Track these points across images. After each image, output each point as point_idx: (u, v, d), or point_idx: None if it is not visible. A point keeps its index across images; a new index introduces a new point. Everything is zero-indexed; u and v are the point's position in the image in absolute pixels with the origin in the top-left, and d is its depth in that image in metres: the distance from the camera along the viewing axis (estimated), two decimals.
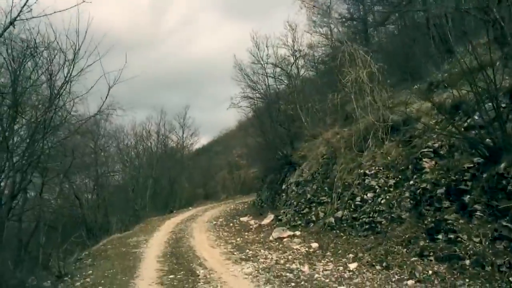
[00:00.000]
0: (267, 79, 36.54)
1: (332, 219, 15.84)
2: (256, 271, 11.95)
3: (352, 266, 11.24)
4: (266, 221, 23.21)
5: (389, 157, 14.06)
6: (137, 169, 38.58)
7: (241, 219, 26.90)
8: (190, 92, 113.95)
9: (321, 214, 17.30)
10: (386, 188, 13.37)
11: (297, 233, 17.37)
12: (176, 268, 13.13)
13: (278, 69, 35.20)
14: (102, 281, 11.99)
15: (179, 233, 22.42)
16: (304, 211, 18.85)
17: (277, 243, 16.68)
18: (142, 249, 17.95)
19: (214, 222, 26.43)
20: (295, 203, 20.39)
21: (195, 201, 46.06)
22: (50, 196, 28.42)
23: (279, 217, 21.78)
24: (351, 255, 12.18)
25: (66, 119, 14.83)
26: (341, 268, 11.56)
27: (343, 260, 12.15)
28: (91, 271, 13.68)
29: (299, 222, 18.87)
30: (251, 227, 23.02)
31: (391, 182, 13.41)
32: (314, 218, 17.73)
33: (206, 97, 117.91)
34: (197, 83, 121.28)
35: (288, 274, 11.47)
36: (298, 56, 31.55)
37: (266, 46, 31.84)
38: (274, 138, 27.46)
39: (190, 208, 38.98)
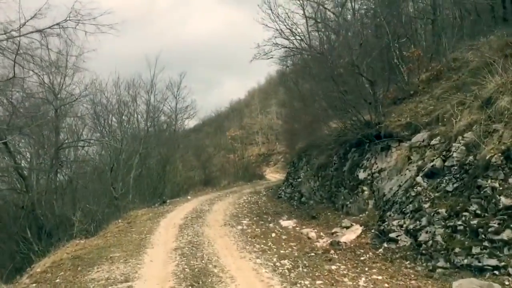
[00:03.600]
0: (307, 21, 25.46)
1: None
2: None
3: None
4: (348, 236, 12.15)
5: None
6: (120, 141, 26.87)
7: (283, 224, 15.88)
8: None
9: None
10: None
11: None
12: None
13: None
14: None
15: (194, 258, 11.02)
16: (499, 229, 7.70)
17: None
18: None
19: (241, 228, 15.35)
20: (439, 210, 9.21)
21: (192, 188, 34.66)
22: None
23: (388, 235, 10.62)
24: None
25: None
26: None
27: None
28: None
29: (487, 262, 7.70)
30: (320, 246, 12.00)
31: None
32: None
33: (197, 80, 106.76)
34: (188, 66, 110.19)
35: None
36: None
37: None
38: (341, 97, 16.08)
39: (189, 197, 27.58)
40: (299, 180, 21.62)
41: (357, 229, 12.19)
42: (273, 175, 51.13)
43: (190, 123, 53.87)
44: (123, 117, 28.06)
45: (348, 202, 15.10)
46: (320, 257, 10.66)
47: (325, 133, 19.31)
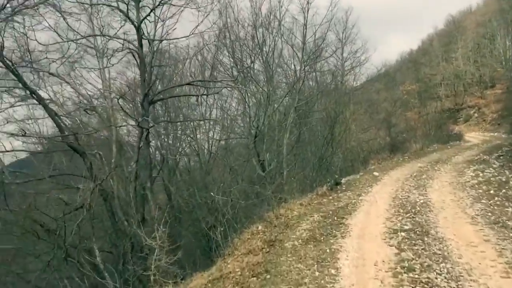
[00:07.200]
0: None
1: None
2: None
3: None
4: None
5: None
6: (265, 89, 16.87)
7: None
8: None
9: None
10: None
11: None
12: None
13: None
14: None
15: None
16: None
17: None
18: None
19: None
20: None
21: (371, 156, 23.87)
22: None
23: None
24: None
25: None
26: None
27: None
28: None
29: None
30: None
31: None
32: None
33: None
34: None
35: None
36: None
37: None
38: None
39: (375, 173, 16.80)
40: None
41: None
42: (469, 134, 38.04)
43: (360, 76, 41.12)
44: (265, 50, 17.75)
45: None
46: None
47: None
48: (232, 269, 7.14)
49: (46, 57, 12.25)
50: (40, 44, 11.43)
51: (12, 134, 10.39)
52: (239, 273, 6.80)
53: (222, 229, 11.53)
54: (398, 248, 7.10)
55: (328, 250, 7.16)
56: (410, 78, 59.03)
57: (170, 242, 8.38)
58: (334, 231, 8.38)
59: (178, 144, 20.24)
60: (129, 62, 16.59)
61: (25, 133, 10.63)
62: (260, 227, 10.02)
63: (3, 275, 11.99)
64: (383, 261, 6.49)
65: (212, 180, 15.86)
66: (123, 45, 13.02)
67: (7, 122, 12.48)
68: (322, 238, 7.94)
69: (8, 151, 11.32)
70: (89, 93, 15.63)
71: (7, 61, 9.87)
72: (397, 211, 9.89)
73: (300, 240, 8.02)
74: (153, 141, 19.21)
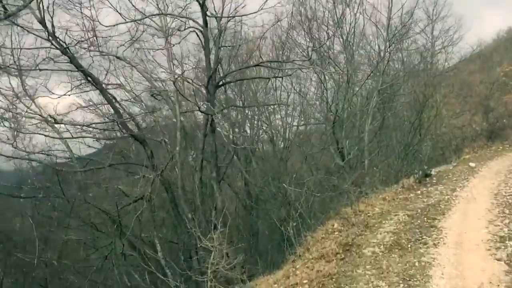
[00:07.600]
0: None
1: None
2: None
3: None
4: None
5: None
6: (339, 79, 15.32)
7: None
8: None
9: None
10: None
11: None
12: None
13: None
14: None
15: None
16: None
17: None
18: None
19: None
20: None
21: (465, 144, 21.39)
22: None
23: None
24: None
25: None
26: None
27: None
28: None
29: None
30: None
31: None
32: None
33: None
34: None
35: None
36: None
37: None
38: None
39: (471, 164, 14.66)
40: None
41: None
42: None
43: (452, 56, 36.97)
44: (345, 27, 16.13)
45: None
46: None
47: None
48: (299, 280, 6.02)
49: (114, 40, 11.81)
50: (103, 25, 10.93)
51: (46, 121, 9.95)
52: (307, 286, 5.65)
53: (294, 224, 10.41)
54: (508, 264, 5.55)
55: (417, 263, 5.77)
56: (509, 58, 53.51)
57: (244, 233, 7.51)
58: (424, 237, 6.92)
59: (254, 131, 19.42)
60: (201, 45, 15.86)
61: (55, 120, 10.08)
62: (336, 225, 8.78)
63: (63, 271, 11.83)
64: (491, 283, 5.02)
65: (286, 170, 14.77)
66: (185, 23, 12.27)
67: (77, 108, 12.22)
68: (409, 246, 6.54)
69: (74, 138, 11.01)
70: (159, 77, 15.16)
71: (61, 42, 9.45)
72: (502, 211, 8.14)
73: (382, 246, 6.68)
74: (227, 127, 18.53)
